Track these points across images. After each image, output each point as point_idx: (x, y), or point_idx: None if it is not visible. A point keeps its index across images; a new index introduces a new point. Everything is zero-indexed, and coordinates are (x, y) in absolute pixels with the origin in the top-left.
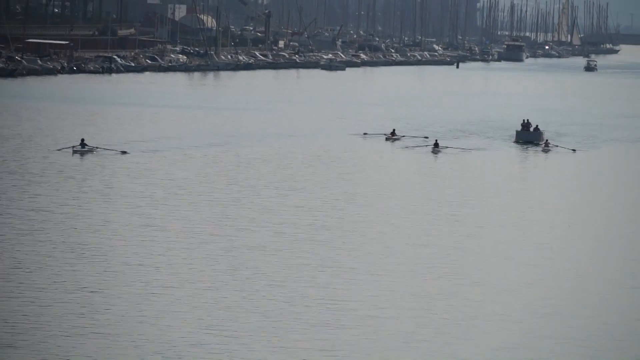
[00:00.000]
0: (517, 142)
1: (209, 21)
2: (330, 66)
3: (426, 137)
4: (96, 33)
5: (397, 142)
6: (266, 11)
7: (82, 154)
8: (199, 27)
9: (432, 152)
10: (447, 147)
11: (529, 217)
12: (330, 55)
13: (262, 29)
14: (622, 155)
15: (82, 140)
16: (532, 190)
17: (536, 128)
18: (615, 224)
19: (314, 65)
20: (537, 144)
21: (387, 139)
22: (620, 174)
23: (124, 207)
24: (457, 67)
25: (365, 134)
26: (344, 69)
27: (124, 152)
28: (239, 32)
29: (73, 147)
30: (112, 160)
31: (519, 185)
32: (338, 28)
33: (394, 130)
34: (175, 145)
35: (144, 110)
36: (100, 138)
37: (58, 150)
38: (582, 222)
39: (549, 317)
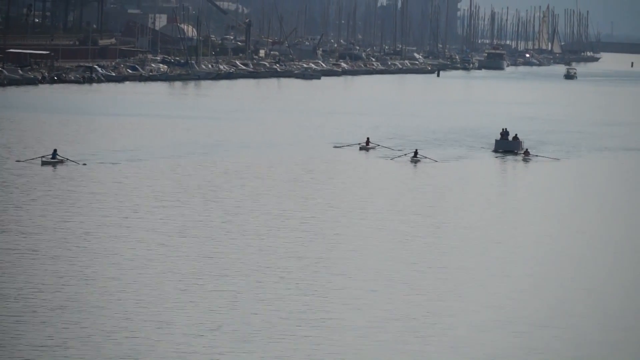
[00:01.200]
0: (496, 151)
1: (190, 30)
2: (304, 75)
3: (400, 150)
4: (77, 43)
5: (375, 151)
6: (247, 20)
7: (53, 164)
8: (179, 36)
9: (411, 161)
10: (425, 157)
11: (508, 226)
12: (311, 64)
13: (243, 38)
14: (602, 164)
15: (55, 150)
16: (511, 200)
17: (515, 137)
18: (594, 232)
19: (310, 76)
20: (517, 153)
21: (361, 149)
22: (600, 182)
23: (88, 219)
24: (438, 75)
25: (335, 146)
26: (319, 78)
27: (84, 164)
28: (220, 42)
29: (42, 157)
30: (76, 171)
31: (498, 195)
32: (319, 37)
33: (368, 139)
34: (148, 156)
35: (123, 120)
36: (75, 148)
37: (19, 161)
38: (562, 230)
39: (529, 327)
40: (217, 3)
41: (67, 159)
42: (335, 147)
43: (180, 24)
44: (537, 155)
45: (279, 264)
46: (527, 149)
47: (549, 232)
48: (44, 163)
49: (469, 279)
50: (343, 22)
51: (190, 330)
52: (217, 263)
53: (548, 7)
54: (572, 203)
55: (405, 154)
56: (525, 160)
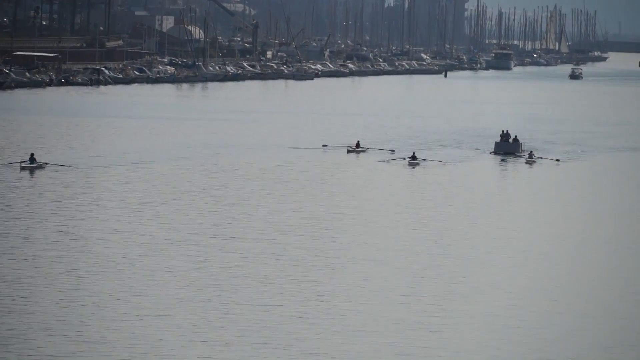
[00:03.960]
0: (495, 153)
1: (197, 32)
2: (294, 75)
3: (392, 151)
4: (84, 45)
5: (370, 154)
6: (254, 22)
7: (30, 170)
8: (186, 38)
9: (409, 164)
10: (424, 160)
11: (509, 229)
12: (319, 65)
13: (250, 39)
14: (607, 165)
15: (32, 155)
16: (514, 203)
17: (515, 139)
18: (599, 233)
19: (301, 76)
20: (516, 155)
21: (349, 151)
22: (605, 183)
23: (93, 221)
24: (445, 76)
25: (324, 145)
26: (312, 79)
27: (70, 166)
28: (227, 43)
29: (21, 162)
30: (62, 175)
31: (501, 198)
32: (326, 38)
33: (358, 142)
34: (154, 158)
35: (130, 123)
36: (76, 151)
37: (1, 164)
38: (566, 232)
39: (530, 330)
40: (224, 5)
41: (46, 163)
42: (324, 146)
43: (187, 25)
44: (541, 158)
45: (289, 268)
46: (531, 151)
47: (554, 235)
48: (22, 168)
49: (473, 282)
50: (350, 23)
51: (204, 335)
52: (216, 267)
53: (555, 7)
54: (576, 205)
55: (403, 158)
56: (529, 162)
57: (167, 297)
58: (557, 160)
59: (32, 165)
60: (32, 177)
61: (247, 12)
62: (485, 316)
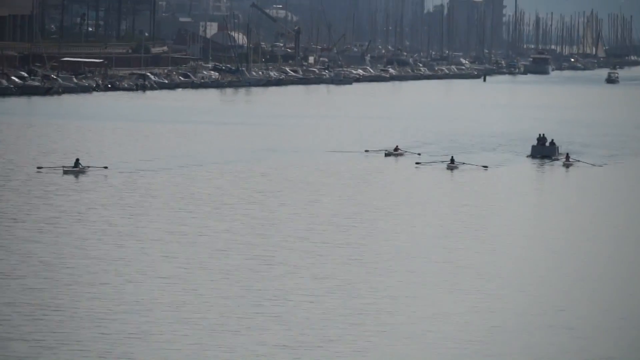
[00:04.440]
0: (532, 156)
1: (240, 38)
2: (332, 80)
3: (419, 154)
4: (130, 51)
5: (409, 157)
6: (296, 28)
7: (75, 173)
8: (230, 44)
9: (448, 168)
10: (463, 163)
11: (549, 232)
12: (360, 70)
13: (292, 45)
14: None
15: (77, 160)
16: (553, 206)
17: (552, 142)
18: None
19: (340, 81)
20: (552, 158)
21: (387, 155)
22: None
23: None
24: (484, 80)
25: (366, 151)
26: (350, 83)
27: (105, 167)
28: (270, 49)
29: (64, 166)
30: (105, 178)
31: (540, 200)
32: (367, 43)
33: (397, 146)
34: (191, 162)
35: (174, 127)
36: (122, 155)
37: (39, 168)
38: (604, 236)
39: (575, 332)
40: (267, 11)
41: (88, 167)
42: (367, 151)
43: (230, 31)
44: (578, 160)
45: (328, 268)
46: (567, 154)
47: (591, 238)
48: (65, 172)
49: (515, 284)
50: (390, 28)
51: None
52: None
53: (592, 12)
54: (613, 207)
55: (442, 161)
56: (566, 165)
57: (212, 296)
58: (594, 164)
59: (75, 169)
60: (75, 181)
61: (290, 18)
62: (523, 316)
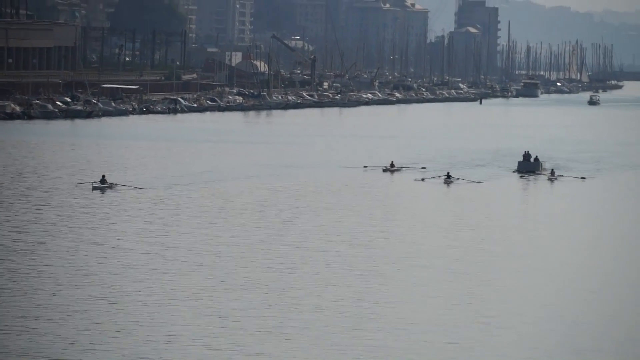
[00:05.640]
0: (518, 171)
1: (262, 66)
2: (337, 103)
3: (424, 168)
4: (163, 78)
5: (406, 173)
6: (312, 56)
7: (101, 190)
8: (252, 71)
9: (444, 182)
10: (458, 178)
11: (542, 242)
12: (369, 94)
13: (309, 72)
14: (624, 181)
15: (103, 176)
16: (542, 219)
17: (536, 158)
18: (626, 246)
19: (355, 103)
20: (536, 173)
21: (384, 171)
22: (627, 199)
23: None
24: (480, 103)
25: (365, 167)
26: (354, 106)
27: (140, 188)
28: (288, 75)
29: (93, 182)
30: (131, 196)
31: (528, 213)
32: (375, 70)
33: (392, 162)
34: (216, 178)
35: (202, 146)
36: (152, 172)
37: (76, 185)
38: (595, 245)
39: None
40: (286, 42)
41: (115, 184)
42: (365, 167)
43: (253, 60)
44: (562, 175)
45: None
46: (552, 169)
47: (577, 244)
48: (94, 188)
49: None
50: (397, 57)
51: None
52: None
53: (577, 42)
54: (605, 219)
55: (439, 176)
56: (551, 179)
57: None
58: (583, 178)
59: (103, 185)
60: (102, 197)
61: (306, 48)
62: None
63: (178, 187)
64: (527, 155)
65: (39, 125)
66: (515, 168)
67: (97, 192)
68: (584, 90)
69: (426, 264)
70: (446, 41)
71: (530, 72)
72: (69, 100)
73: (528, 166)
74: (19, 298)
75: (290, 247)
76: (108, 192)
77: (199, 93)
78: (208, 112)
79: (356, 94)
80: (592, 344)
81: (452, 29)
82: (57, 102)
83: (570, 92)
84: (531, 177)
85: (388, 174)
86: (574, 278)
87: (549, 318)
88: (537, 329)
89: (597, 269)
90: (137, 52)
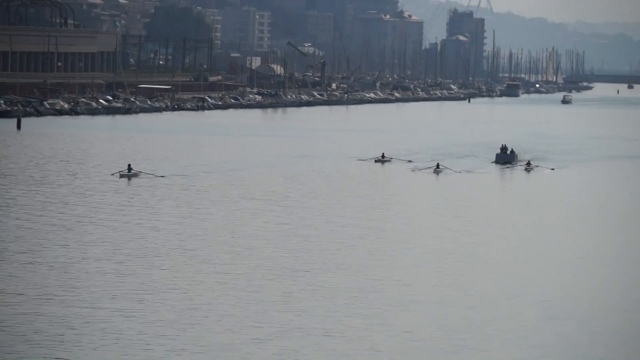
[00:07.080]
0: (496, 162)
1: (278, 69)
2: (338, 102)
3: (410, 161)
4: (192, 79)
5: (399, 164)
6: (322, 61)
7: (128, 177)
8: (270, 74)
9: (434, 172)
10: (445, 168)
11: (507, 226)
12: (372, 93)
13: (319, 74)
14: (594, 171)
15: (129, 165)
16: (513, 204)
17: (512, 151)
18: (593, 234)
19: (359, 102)
20: (512, 164)
21: (376, 161)
22: (598, 188)
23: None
24: (469, 101)
25: (359, 160)
26: (349, 104)
27: (162, 176)
28: (301, 77)
29: (120, 171)
30: (153, 183)
31: (502, 199)
32: (377, 73)
33: (383, 153)
34: (237, 167)
35: (225, 139)
36: (180, 161)
37: (112, 174)
38: (566, 233)
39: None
40: (299, 48)
41: (140, 172)
42: (359, 160)
43: (271, 64)
44: (537, 166)
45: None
46: (529, 160)
47: (553, 228)
48: (121, 176)
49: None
50: (396, 61)
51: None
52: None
53: (553, 49)
54: (575, 208)
55: (429, 167)
56: (527, 170)
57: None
58: (552, 169)
59: (130, 173)
60: (128, 184)
61: (317, 53)
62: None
63: (206, 173)
64: (504, 148)
65: (84, 120)
66: (494, 159)
67: (124, 179)
68: (559, 90)
69: (421, 243)
70: (439, 48)
71: (513, 75)
72: (111, 98)
73: (505, 158)
74: (73, 264)
75: (301, 226)
76: (133, 179)
77: (223, 92)
78: (231, 109)
79: (360, 93)
80: (568, 314)
81: (444, 37)
82: (100, 100)
83: (547, 92)
84: (508, 167)
85: (379, 164)
86: (544, 251)
87: (527, 291)
88: (518, 301)
89: (565, 244)
90: (170, 57)
